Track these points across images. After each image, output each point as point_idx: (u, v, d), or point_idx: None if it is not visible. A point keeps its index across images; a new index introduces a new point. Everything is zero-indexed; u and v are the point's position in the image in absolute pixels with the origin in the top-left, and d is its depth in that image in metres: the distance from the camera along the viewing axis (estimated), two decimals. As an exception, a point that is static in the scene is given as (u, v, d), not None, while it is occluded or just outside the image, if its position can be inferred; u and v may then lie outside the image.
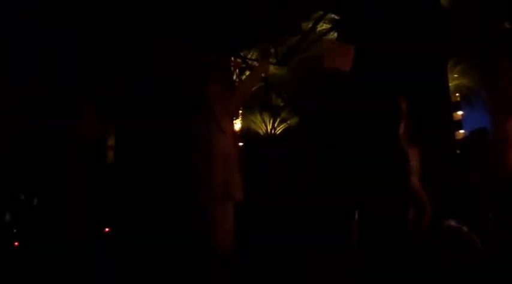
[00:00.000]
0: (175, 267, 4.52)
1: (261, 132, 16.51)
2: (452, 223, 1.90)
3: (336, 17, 9.41)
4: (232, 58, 8.79)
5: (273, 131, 16.46)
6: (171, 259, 4.72)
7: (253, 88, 4.12)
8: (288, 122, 15.44)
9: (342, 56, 4.58)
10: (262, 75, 4.18)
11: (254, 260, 4.03)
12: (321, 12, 8.36)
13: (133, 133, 5.25)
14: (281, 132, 16.34)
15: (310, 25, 7.74)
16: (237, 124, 15.65)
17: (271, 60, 8.98)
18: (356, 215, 5.19)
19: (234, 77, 9.36)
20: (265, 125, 16.47)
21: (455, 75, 12.60)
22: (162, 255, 4.91)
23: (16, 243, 4.39)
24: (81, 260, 4.12)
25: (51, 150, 4.38)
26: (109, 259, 4.21)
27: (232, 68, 9.00)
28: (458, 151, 7.08)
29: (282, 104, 14.88)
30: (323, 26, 9.64)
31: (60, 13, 5.37)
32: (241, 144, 14.20)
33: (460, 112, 14.96)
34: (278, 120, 16.13)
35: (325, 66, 4.55)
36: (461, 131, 13.45)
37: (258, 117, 16.11)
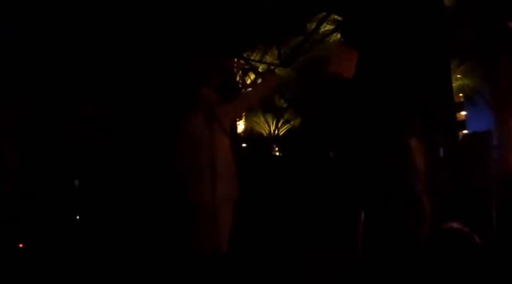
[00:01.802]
0: (175, 267, 4.53)
1: (264, 132, 16.52)
2: (454, 224, 1.90)
3: (339, 18, 9.40)
4: (236, 59, 8.79)
5: (276, 132, 16.47)
6: (172, 259, 4.73)
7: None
8: (291, 123, 15.44)
9: (346, 60, 4.61)
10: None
11: (254, 260, 4.04)
12: (324, 13, 8.36)
13: (134, 133, 5.26)
14: (284, 132, 16.36)
15: (313, 26, 7.75)
16: (240, 125, 15.66)
17: (274, 61, 8.99)
18: (362, 217, 5.19)
19: (237, 78, 9.37)
20: (268, 126, 16.47)
21: (458, 76, 12.58)
22: (163, 255, 4.92)
23: (21, 245, 4.39)
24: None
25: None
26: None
27: (235, 69, 9.01)
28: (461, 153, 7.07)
29: (285, 105, 14.88)
30: (326, 27, 9.63)
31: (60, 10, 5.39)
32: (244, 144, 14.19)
33: (463, 113, 14.92)
34: (281, 121, 16.13)
35: (330, 71, 4.60)
36: (465, 131, 13.43)
37: (261, 118, 16.12)
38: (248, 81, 10.26)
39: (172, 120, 4.26)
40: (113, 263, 4.13)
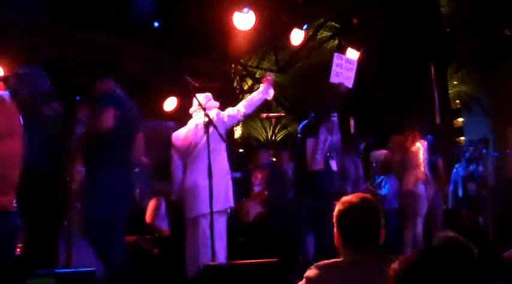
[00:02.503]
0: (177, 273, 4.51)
1: (261, 138, 16.48)
2: (450, 233, 1.89)
3: (336, 25, 9.44)
4: (233, 65, 8.78)
5: (273, 137, 16.43)
6: (174, 266, 4.70)
7: None
8: (289, 129, 15.41)
9: (345, 70, 4.66)
10: None
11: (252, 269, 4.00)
12: (322, 20, 8.40)
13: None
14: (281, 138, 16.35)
15: (310, 33, 7.76)
16: (237, 131, 15.64)
17: (272, 67, 8.99)
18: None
19: (235, 84, 9.38)
20: (266, 131, 16.43)
21: (455, 82, 12.58)
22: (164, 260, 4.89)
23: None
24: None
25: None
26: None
27: (233, 75, 8.97)
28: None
29: (282, 111, 14.86)
30: (323, 34, 9.67)
31: None
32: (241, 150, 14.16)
33: (460, 119, 14.93)
34: (278, 127, 16.08)
35: (331, 81, 4.67)
36: (462, 138, 13.46)
37: (258, 123, 16.08)
38: (245, 87, 10.26)
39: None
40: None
